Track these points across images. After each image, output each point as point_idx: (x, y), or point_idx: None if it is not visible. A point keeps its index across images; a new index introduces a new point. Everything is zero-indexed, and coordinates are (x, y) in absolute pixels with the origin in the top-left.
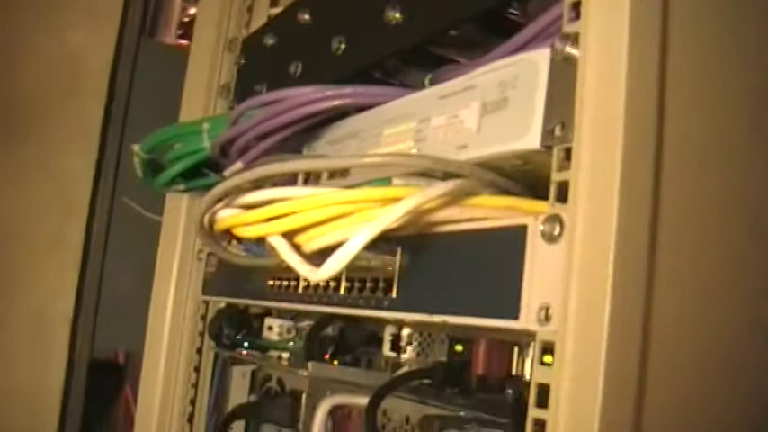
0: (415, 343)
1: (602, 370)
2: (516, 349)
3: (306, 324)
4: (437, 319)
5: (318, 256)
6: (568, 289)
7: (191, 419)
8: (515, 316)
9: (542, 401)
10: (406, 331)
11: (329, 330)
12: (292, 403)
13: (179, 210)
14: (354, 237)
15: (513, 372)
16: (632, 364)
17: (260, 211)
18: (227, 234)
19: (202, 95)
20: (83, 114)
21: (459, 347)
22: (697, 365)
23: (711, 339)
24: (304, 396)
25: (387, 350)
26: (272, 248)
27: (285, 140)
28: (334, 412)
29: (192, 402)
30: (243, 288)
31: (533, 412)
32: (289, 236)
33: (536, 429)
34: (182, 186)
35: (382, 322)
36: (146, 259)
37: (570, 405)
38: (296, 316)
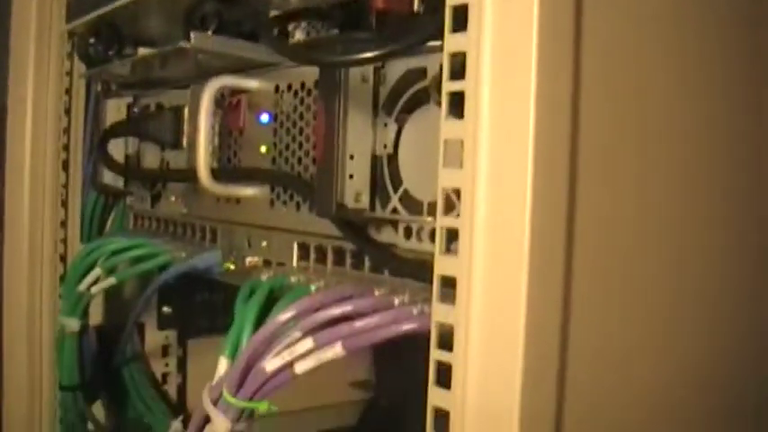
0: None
1: None
2: None
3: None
4: None
5: None
6: None
7: (66, 167)
8: None
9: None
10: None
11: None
12: (174, 117)
13: None
14: None
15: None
16: None
17: None
18: None
19: None
20: None
21: None
22: None
23: None
24: (188, 98)
25: None
26: None
27: None
28: (221, 104)
29: (66, 148)
30: None
31: None
32: None
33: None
34: None
35: None
36: None
37: None
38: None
